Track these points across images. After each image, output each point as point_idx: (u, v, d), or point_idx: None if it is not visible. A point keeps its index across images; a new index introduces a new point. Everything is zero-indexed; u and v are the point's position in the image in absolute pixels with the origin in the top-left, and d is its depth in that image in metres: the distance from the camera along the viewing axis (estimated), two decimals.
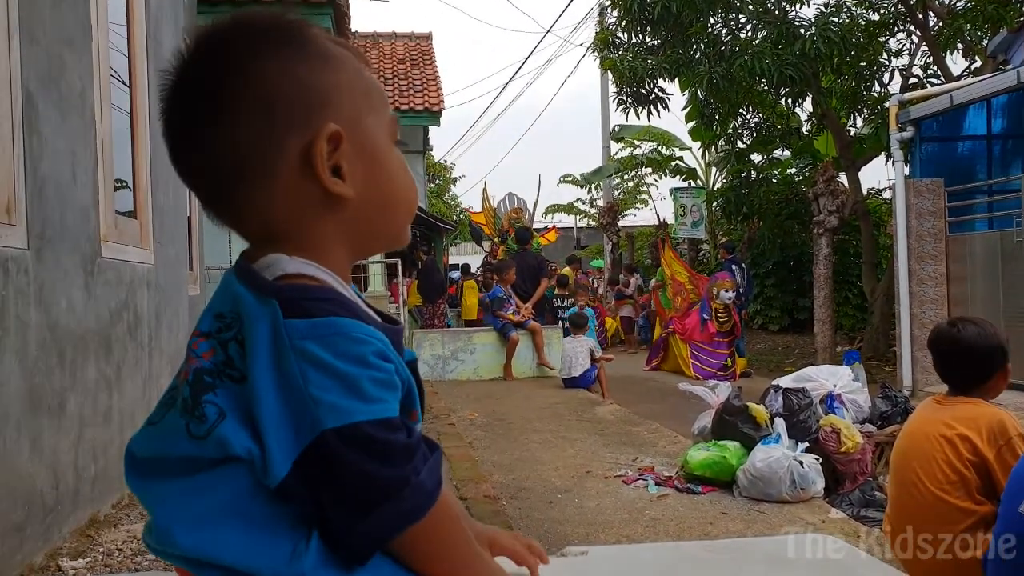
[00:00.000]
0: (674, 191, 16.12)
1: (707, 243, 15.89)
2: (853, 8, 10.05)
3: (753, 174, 13.60)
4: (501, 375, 8.20)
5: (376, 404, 0.63)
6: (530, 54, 54.56)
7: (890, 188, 10.33)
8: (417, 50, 16.13)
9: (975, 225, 7.71)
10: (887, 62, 10.33)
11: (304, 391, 0.62)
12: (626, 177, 19.71)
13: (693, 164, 16.29)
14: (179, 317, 4.38)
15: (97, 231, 3.20)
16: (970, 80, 8.33)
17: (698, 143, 14.71)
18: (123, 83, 3.80)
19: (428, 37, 16.80)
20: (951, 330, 2.26)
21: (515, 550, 0.89)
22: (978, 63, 9.81)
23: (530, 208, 11.99)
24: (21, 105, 2.55)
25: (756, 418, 3.94)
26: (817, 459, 3.70)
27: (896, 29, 10.13)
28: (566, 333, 8.15)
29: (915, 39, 10.41)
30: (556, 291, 10.67)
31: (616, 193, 20.11)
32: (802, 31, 9.15)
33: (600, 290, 15.30)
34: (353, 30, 12.90)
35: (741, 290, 10.15)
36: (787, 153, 13.53)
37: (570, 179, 22.09)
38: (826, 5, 9.86)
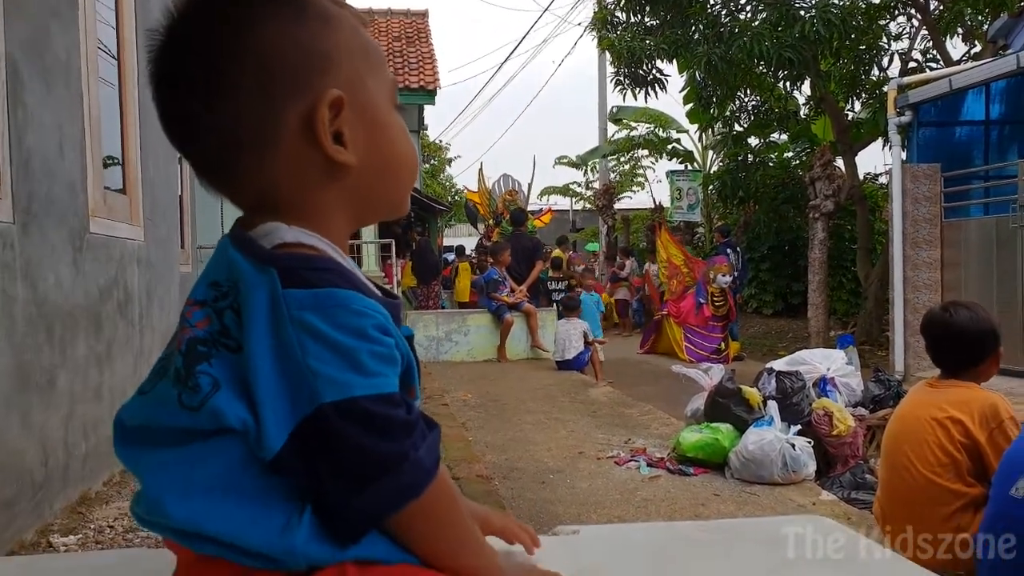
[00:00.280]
0: (671, 174, 16.07)
1: (703, 226, 15.88)
2: None
3: (750, 157, 13.55)
4: (495, 357, 8.20)
5: (375, 378, 0.62)
6: (527, 33, 53.94)
7: (887, 173, 10.33)
8: (413, 27, 15.97)
9: (971, 211, 7.71)
10: (887, 46, 10.28)
11: (302, 363, 0.61)
12: (622, 159, 19.64)
13: (690, 147, 16.25)
14: (170, 295, 4.35)
15: (85, 206, 3.16)
16: (970, 65, 8.30)
17: (695, 125, 14.64)
18: (111, 56, 3.74)
19: (424, 14, 16.63)
20: (943, 314, 2.27)
21: (507, 528, 0.88)
22: (978, 48, 9.77)
23: (525, 190, 11.93)
24: (6, 75, 2.50)
25: (749, 401, 3.94)
26: (809, 442, 3.71)
27: (896, 12, 10.06)
28: (560, 316, 8.15)
29: (915, 23, 10.35)
30: (550, 274, 10.65)
31: (612, 176, 20.04)
32: (802, 13, 9.08)
33: (596, 272, 15.30)
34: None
35: (736, 274, 10.16)
36: (784, 137, 13.49)
37: (565, 160, 22.00)
38: None
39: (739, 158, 13.59)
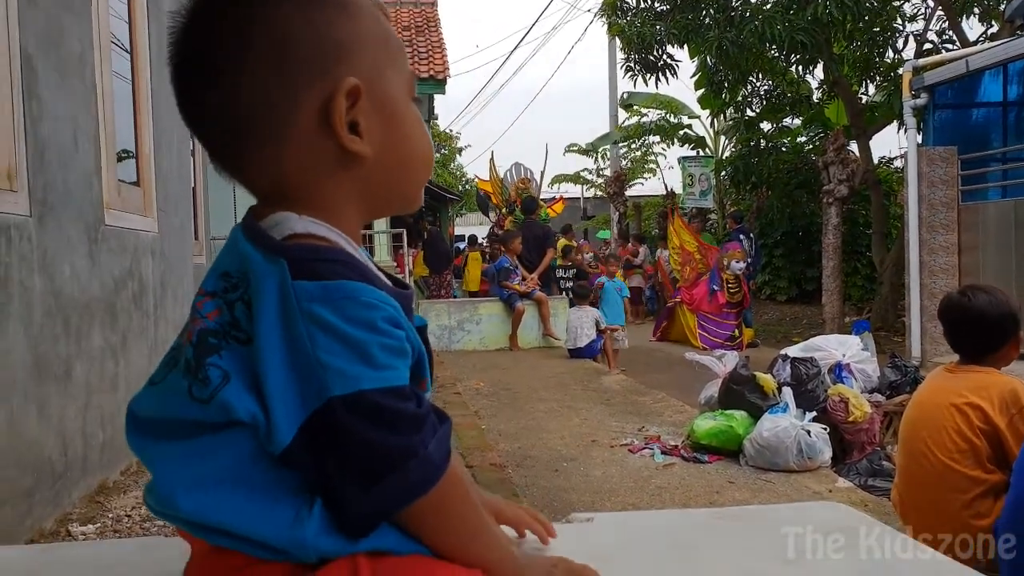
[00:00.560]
0: (682, 160, 15.95)
1: (715, 213, 15.78)
2: None
3: (762, 143, 13.41)
4: (507, 345, 8.21)
5: (385, 371, 0.61)
6: (536, 20, 53.72)
7: (901, 157, 10.19)
8: (422, 16, 15.90)
9: (988, 194, 7.60)
10: (901, 27, 10.12)
11: (312, 355, 0.60)
12: (634, 146, 19.51)
13: (702, 132, 16.11)
14: (184, 286, 4.38)
15: (100, 198, 3.18)
16: (987, 45, 8.15)
17: (707, 111, 14.50)
18: (124, 49, 3.75)
19: (433, 3, 16.55)
20: (962, 299, 2.23)
21: (519, 519, 0.87)
22: (995, 28, 9.59)
23: (537, 178, 11.88)
24: (20, 68, 2.51)
25: (763, 387, 3.92)
26: (825, 429, 3.69)
27: None
28: (571, 304, 8.13)
29: (931, 3, 10.17)
30: (559, 262, 10.58)
31: (623, 162, 19.93)
32: None
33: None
34: None
35: (750, 260, 10.08)
36: (797, 121, 13.34)
37: (576, 148, 21.88)
38: None
39: (751, 143, 13.46)
